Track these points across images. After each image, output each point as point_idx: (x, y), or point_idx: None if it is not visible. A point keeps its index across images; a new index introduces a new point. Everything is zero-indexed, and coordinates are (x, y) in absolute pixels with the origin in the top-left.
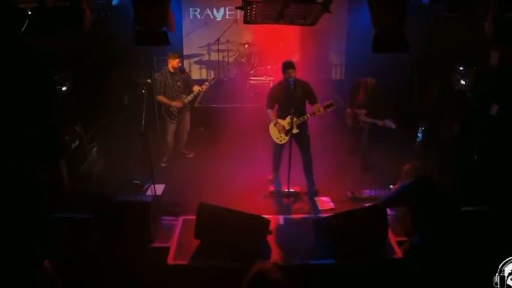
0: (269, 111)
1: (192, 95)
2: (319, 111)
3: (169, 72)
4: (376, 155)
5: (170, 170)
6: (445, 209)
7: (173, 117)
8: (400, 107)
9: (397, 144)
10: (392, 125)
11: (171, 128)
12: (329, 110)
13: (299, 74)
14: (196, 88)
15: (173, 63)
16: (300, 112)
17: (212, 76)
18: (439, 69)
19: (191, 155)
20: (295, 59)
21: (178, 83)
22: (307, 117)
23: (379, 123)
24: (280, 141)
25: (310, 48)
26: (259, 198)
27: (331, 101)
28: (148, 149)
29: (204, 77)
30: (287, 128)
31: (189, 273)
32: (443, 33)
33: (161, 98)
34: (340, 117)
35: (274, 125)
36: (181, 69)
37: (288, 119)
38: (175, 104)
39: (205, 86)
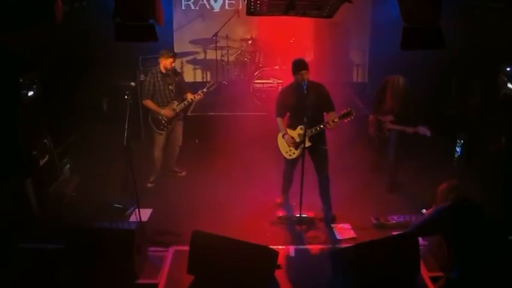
0: (279, 119)
1: (184, 103)
2: (333, 121)
3: (161, 73)
4: (406, 173)
5: (158, 192)
6: (489, 238)
7: (161, 127)
8: (434, 115)
9: (430, 160)
10: (428, 132)
11: (160, 140)
12: (347, 120)
13: (313, 75)
14: (190, 96)
15: (166, 63)
16: (314, 122)
17: (209, 79)
18: (481, 70)
19: (183, 174)
20: (308, 57)
21: (170, 87)
22: (321, 128)
23: (410, 130)
24: (290, 155)
25: (327, 45)
26: (266, 225)
27: (349, 109)
28: (132, 166)
29: (198, 79)
30: (298, 140)
31: None
32: (486, 27)
33: (149, 103)
34: (362, 128)
35: (283, 136)
36: (174, 71)
37: (298, 130)
38: (165, 112)
39: (199, 95)
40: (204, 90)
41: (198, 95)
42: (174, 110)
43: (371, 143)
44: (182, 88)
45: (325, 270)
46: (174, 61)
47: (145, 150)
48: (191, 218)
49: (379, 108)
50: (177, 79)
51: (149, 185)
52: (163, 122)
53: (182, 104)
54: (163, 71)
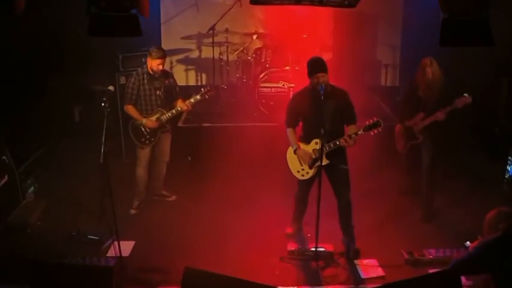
0: (289, 131)
1: (172, 111)
2: (352, 135)
3: (148, 74)
4: (445, 196)
5: (142, 220)
6: None
7: (143, 139)
8: (481, 127)
9: (476, 181)
10: (468, 99)
11: (142, 156)
12: (373, 133)
13: (332, 78)
14: (179, 104)
15: (152, 64)
16: (333, 135)
17: (204, 82)
18: None
19: (173, 198)
20: (326, 56)
21: (158, 92)
22: (339, 142)
23: (439, 116)
24: (303, 175)
25: (349, 42)
26: (274, 260)
27: (376, 119)
28: (110, 189)
29: (191, 83)
30: (313, 156)
31: None
32: None
33: (130, 108)
34: (391, 142)
35: (294, 151)
36: (165, 72)
37: (313, 144)
38: (146, 122)
39: (188, 105)
40: (197, 97)
41: (186, 105)
42: (159, 119)
43: (401, 161)
44: (174, 93)
45: None
46: (162, 63)
47: (126, 169)
48: (182, 252)
49: (406, 112)
50: (167, 82)
51: (132, 211)
52: (145, 133)
53: (169, 114)
54: (152, 72)
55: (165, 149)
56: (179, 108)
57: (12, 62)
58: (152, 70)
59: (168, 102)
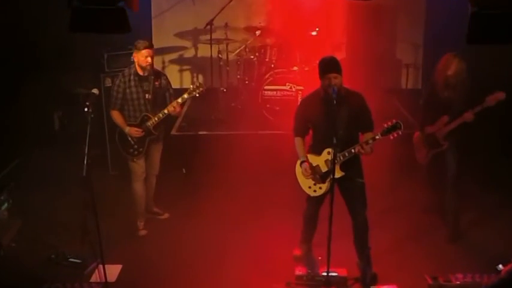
0: (297, 140)
1: (158, 116)
2: (368, 141)
3: (136, 75)
4: (474, 213)
5: (130, 240)
6: None
7: (131, 150)
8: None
9: (508, 198)
10: (502, 95)
11: (137, 168)
12: (393, 137)
13: (346, 80)
14: (170, 107)
15: (139, 57)
16: (347, 144)
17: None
18: None
19: (165, 216)
20: (339, 55)
21: (146, 96)
22: (354, 151)
23: (468, 117)
24: (315, 191)
25: (364, 39)
26: (279, 286)
27: (395, 120)
28: (94, 205)
29: (186, 85)
30: (323, 170)
31: None
32: None
33: (115, 114)
34: (413, 152)
35: (301, 164)
36: (157, 72)
37: (325, 155)
38: (130, 131)
39: (175, 107)
40: (185, 96)
41: (173, 106)
42: (145, 126)
43: (422, 173)
44: (167, 96)
45: None
46: (150, 55)
47: (112, 182)
48: (175, 276)
49: (428, 117)
50: (157, 83)
51: (141, 232)
52: (132, 143)
53: (155, 118)
54: (141, 73)
55: (155, 161)
56: (166, 111)
57: None
58: (141, 66)
59: (160, 107)
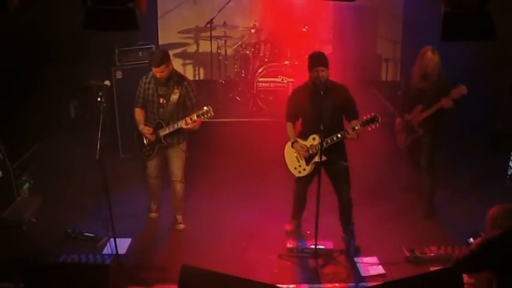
0: (288, 125)
1: (173, 126)
2: (353, 129)
3: (155, 78)
4: (447, 193)
5: (139, 217)
6: None
7: (143, 150)
8: (483, 124)
9: (478, 178)
10: (463, 89)
11: (149, 167)
12: (370, 128)
13: (333, 73)
14: (183, 122)
15: (154, 72)
16: (332, 131)
17: (202, 77)
18: None
19: (180, 227)
20: (326, 50)
21: (161, 100)
22: (338, 138)
23: (445, 102)
24: (300, 172)
25: (349, 36)
26: (272, 258)
27: (373, 114)
28: (106, 185)
29: (189, 77)
30: (310, 152)
31: None
32: None
33: (136, 111)
34: (393, 138)
35: (292, 144)
36: (178, 78)
37: (311, 140)
38: (143, 129)
39: (189, 123)
40: (194, 117)
41: (187, 122)
42: (157, 133)
43: (403, 156)
44: (188, 104)
45: None
46: (163, 70)
47: (123, 164)
48: (180, 249)
49: (406, 105)
50: (176, 90)
51: (152, 214)
52: (144, 143)
53: (167, 129)
54: (159, 77)
55: (173, 168)
56: (177, 125)
57: (6, 55)
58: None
59: (178, 115)
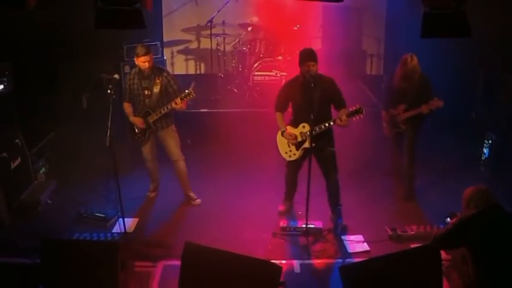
0: (277, 115)
1: (158, 112)
2: (340, 119)
3: (138, 73)
4: (427, 177)
5: (145, 199)
6: None
7: (136, 137)
8: (458, 114)
9: (455, 163)
10: (440, 103)
11: (144, 153)
12: (355, 119)
13: (321, 67)
14: (173, 103)
15: (138, 62)
16: (321, 120)
17: (203, 71)
18: None
19: (196, 202)
20: (315, 47)
21: (146, 92)
22: (326, 126)
23: (424, 109)
24: (290, 157)
25: (337, 33)
26: (267, 236)
27: (358, 106)
28: (116, 169)
29: (191, 71)
30: (299, 139)
31: None
32: None
33: (125, 106)
34: (376, 126)
35: (282, 133)
36: (158, 70)
37: (300, 128)
38: (134, 120)
39: (174, 106)
40: (177, 100)
41: (171, 106)
42: (147, 121)
43: (386, 144)
44: (169, 91)
45: None
46: (148, 60)
47: (130, 151)
48: (183, 228)
49: (390, 101)
50: (157, 80)
51: (149, 194)
52: (136, 131)
53: (155, 115)
54: (142, 71)
55: (170, 147)
56: (169, 107)
57: (26, 52)
58: (140, 69)
59: (162, 102)
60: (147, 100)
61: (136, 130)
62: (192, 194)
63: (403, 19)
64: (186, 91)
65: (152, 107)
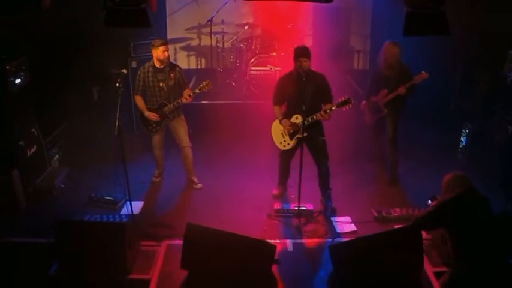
0: (276, 108)
1: (174, 104)
2: (327, 110)
3: (153, 67)
4: (409, 163)
5: (150, 183)
6: (495, 232)
7: (150, 127)
8: (439, 106)
9: (435, 151)
10: (425, 75)
11: (154, 141)
12: (345, 109)
13: (312, 62)
14: (186, 93)
15: (158, 53)
16: (312, 112)
17: (203, 66)
18: (489, 56)
19: (198, 187)
20: (307, 43)
21: (160, 84)
22: (315, 118)
23: (401, 90)
24: (284, 146)
25: (326, 31)
26: (262, 218)
27: (347, 96)
28: (124, 156)
29: (192, 66)
30: (292, 130)
31: None
32: (495, 11)
33: (137, 99)
34: (362, 118)
35: (280, 121)
36: (172, 66)
37: (294, 119)
38: (149, 115)
39: (187, 99)
40: (196, 91)
41: (186, 98)
42: (162, 112)
43: (370, 132)
44: (181, 84)
45: (324, 265)
46: (167, 49)
47: (137, 140)
48: (185, 210)
49: (372, 90)
50: (172, 75)
51: (154, 178)
52: (151, 122)
53: (171, 106)
54: (157, 65)
55: (180, 135)
56: (180, 101)
57: (42, 48)
58: (159, 60)
59: (175, 93)
60: (162, 92)
61: (151, 121)
62: (195, 179)
63: (388, 18)
64: (204, 82)
65: (166, 99)
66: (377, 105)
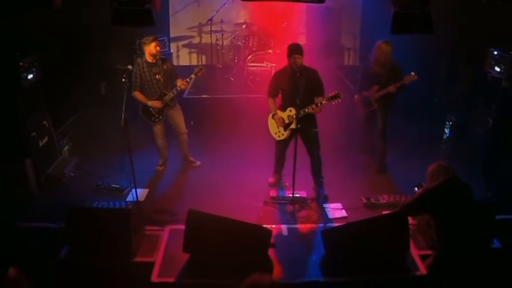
0: (270, 100)
1: (173, 91)
2: (318, 104)
3: (147, 62)
4: (396, 154)
5: (154, 172)
6: (477, 218)
7: (153, 118)
8: (424, 100)
9: (420, 142)
10: (414, 77)
11: (157, 130)
12: (334, 103)
13: (305, 59)
14: (179, 83)
15: (150, 49)
16: (305, 105)
17: (204, 62)
18: (471, 53)
19: (197, 164)
20: (300, 41)
21: (157, 77)
22: (307, 110)
23: (391, 89)
24: (279, 136)
25: (319, 29)
26: (259, 204)
27: (337, 91)
28: (130, 147)
29: (194, 62)
30: (286, 121)
31: None
32: (476, 12)
33: (137, 94)
34: (353, 110)
35: (272, 116)
36: (162, 58)
37: (288, 111)
38: (152, 103)
39: (186, 84)
40: (192, 76)
41: (184, 84)
42: (162, 100)
43: (361, 124)
44: (172, 76)
45: (317, 248)
46: (158, 44)
47: (142, 131)
48: (187, 197)
49: (364, 85)
50: (165, 67)
51: (158, 167)
52: (153, 113)
53: (171, 94)
54: (150, 60)
55: (178, 122)
56: (179, 88)
57: (53, 45)
58: (152, 55)
59: (169, 84)
60: (160, 83)
61: (153, 111)
62: (191, 159)
63: (376, 17)
64: (197, 67)
65: (164, 89)
66: (368, 100)
